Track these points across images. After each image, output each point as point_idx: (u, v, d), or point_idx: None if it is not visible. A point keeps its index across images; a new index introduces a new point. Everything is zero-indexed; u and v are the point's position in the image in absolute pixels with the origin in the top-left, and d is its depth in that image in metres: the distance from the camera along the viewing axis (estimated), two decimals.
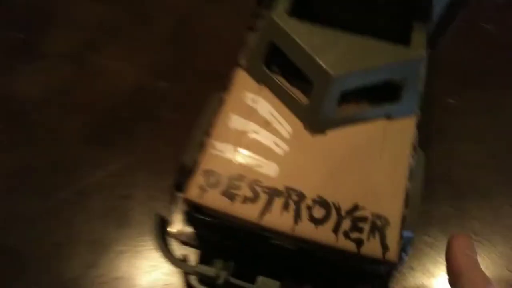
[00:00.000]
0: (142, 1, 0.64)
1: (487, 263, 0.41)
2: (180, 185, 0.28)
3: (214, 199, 0.25)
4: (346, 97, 0.27)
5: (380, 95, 0.28)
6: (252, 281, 0.27)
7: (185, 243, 0.30)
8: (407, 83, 0.27)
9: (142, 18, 0.62)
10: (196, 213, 0.26)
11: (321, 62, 0.26)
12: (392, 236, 0.25)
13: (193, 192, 0.26)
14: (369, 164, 0.27)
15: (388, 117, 0.28)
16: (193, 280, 0.28)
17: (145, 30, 0.61)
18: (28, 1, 0.63)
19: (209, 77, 0.50)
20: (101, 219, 0.43)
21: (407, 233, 0.26)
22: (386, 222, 0.25)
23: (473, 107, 0.52)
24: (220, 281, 0.26)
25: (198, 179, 0.26)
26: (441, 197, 0.44)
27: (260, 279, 0.27)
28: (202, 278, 0.27)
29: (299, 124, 0.28)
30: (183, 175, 0.28)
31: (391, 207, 0.26)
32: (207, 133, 0.28)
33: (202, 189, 0.26)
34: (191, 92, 0.55)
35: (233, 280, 0.27)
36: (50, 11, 0.62)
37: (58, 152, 0.52)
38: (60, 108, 0.55)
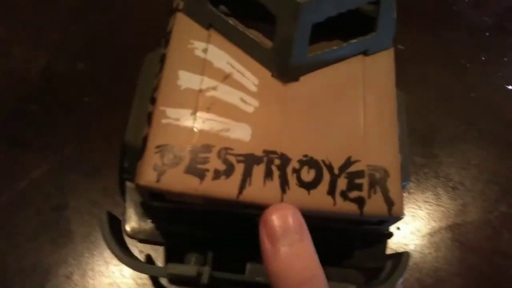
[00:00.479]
0: None
1: (467, 207, 0.40)
2: (128, 172, 0.22)
3: (176, 181, 0.20)
4: (316, 37, 0.23)
5: (352, 31, 0.24)
6: (239, 270, 0.22)
7: (146, 241, 0.24)
8: (383, 7, 0.23)
9: None
10: (155, 202, 0.20)
11: None
12: (395, 188, 0.21)
13: (147, 176, 0.20)
14: (354, 109, 0.23)
15: (365, 53, 0.24)
16: (163, 280, 0.23)
17: (47, 9, 0.51)
18: None
19: (135, 51, 0.43)
20: (33, 240, 0.35)
21: (403, 184, 0.23)
22: (385, 173, 0.21)
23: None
24: (205, 280, 0.21)
25: (151, 159, 0.20)
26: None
27: (249, 266, 0.22)
28: (174, 278, 0.22)
29: (265, 72, 0.23)
30: (130, 158, 0.22)
31: (387, 156, 0.22)
32: (153, 100, 0.22)
33: (159, 170, 0.20)
34: (115, 72, 0.47)
35: (217, 274, 0.22)
36: None
37: None
38: None
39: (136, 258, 0.23)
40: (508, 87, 0.49)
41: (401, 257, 0.25)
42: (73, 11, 0.51)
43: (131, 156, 0.23)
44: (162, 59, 0.23)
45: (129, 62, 0.39)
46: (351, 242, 0.25)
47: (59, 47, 0.49)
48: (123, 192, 0.25)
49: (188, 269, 0.20)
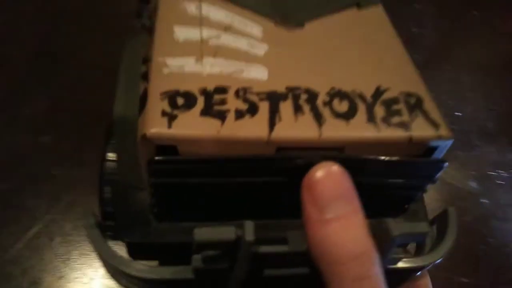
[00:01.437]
0: None
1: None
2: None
3: (192, 124, 0.16)
4: None
5: None
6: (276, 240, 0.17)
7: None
8: None
9: None
10: (167, 158, 0.16)
11: None
12: (434, 110, 0.19)
13: (156, 123, 0.16)
14: (365, 46, 0.21)
15: (358, 5, 0.24)
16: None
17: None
18: None
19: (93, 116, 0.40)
20: None
21: None
22: (419, 98, 0.19)
23: None
24: (248, 239, 0.15)
25: (157, 106, 0.16)
26: None
27: (289, 234, 0.18)
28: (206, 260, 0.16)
29: (268, 22, 0.21)
30: (121, 133, 0.18)
31: (415, 83, 0.20)
32: (146, 61, 0.19)
33: (170, 115, 0.16)
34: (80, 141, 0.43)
35: (258, 249, 0.17)
36: None
37: None
38: None
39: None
40: None
41: (446, 216, 0.21)
42: (28, 81, 0.48)
43: (123, 134, 0.19)
44: (150, 29, 0.21)
45: (95, 131, 0.37)
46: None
47: (21, 120, 0.44)
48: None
49: (224, 231, 0.15)
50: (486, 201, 0.35)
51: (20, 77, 0.47)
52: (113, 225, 0.19)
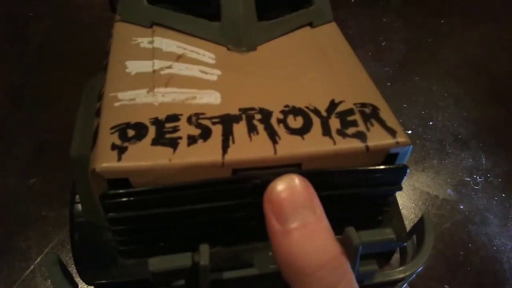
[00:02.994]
0: None
1: None
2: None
3: (143, 155, 0.16)
4: (264, 13, 0.22)
5: (296, 7, 0.24)
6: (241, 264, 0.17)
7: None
8: None
9: None
10: (118, 191, 0.16)
11: None
12: (390, 118, 0.19)
13: (106, 157, 0.16)
14: (318, 63, 0.22)
15: (311, 25, 0.24)
16: None
17: None
18: None
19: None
20: None
21: None
22: (374, 107, 0.19)
23: None
24: (205, 260, 0.15)
25: (107, 140, 0.16)
26: None
27: (255, 256, 0.17)
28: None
29: (220, 48, 0.21)
30: (80, 174, 0.18)
31: (370, 93, 0.20)
32: (98, 112, 0.19)
33: (120, 148, 0.16)
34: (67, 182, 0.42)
35: (217, 275, 0.16)
36: None
37: None
38: None
39: None
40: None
41: (422, 223, 0.21)
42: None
43: (80, 171, 0.18)
44: (106, 67, 0.21)
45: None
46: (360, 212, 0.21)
47: (8, 164, 0.44)
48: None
49: (179, 259, 0.15)
50: (463, 207, 0.35)
51: (4, 121, 0.47)
52: (81, 269, 0.18)
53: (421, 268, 0.21)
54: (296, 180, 0.16)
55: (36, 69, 0.53)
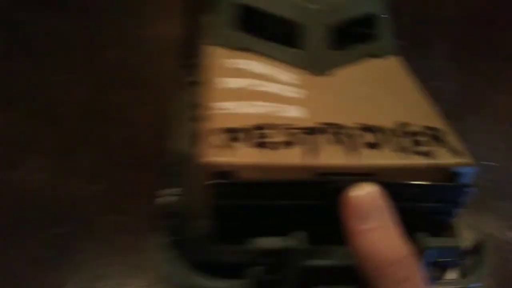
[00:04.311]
0: (46, 100, 0.56)
1: None
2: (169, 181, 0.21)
3: (244, 154, 0.19)
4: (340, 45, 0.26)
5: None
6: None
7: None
8: (379, 19, 0.27)
9: (50, 121, 0.54)
10: (224, 182, 0.18)
11: (308, 4, 0.24)
12: (455, 141, 0.21)
13: (213, 153, 0.19)
14: (387, 89, 0.24)
15: (376, 56, 0.27)
16: None
17: (57, 133, 0.52)
18: None
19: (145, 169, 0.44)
20: None
21: None
22: (441, 131, 0.22)
23: None
24: (293, 245, 0.17)
25: (213, 139, 0.19)
26: None
27: (334, 250, 0.19)
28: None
29: (301, 71, 0.24)
30: (178, 167, 0.21)
31: (435, 119, 0.23)
32: (194, 106, 0.22)
33: (226, 147, 0.19)
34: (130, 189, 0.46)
35: (303, 261, 0.18)
36: None
37: None
38: None
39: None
40: None
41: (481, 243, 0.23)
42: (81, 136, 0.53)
43: (180, 169, 0.22)
44: (194, 83, 0.25)
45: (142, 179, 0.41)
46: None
47: (75, 169, 0.48)
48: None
49: (276, 241, 0.17)
50: None
51: (77, 133, 0.52)
52: (178, 250, 0.21)
53: (478, 283, 0.22)
54: (375, 187, 0.18)
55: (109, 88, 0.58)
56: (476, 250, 0.24)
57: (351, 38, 0.27)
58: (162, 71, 0.58)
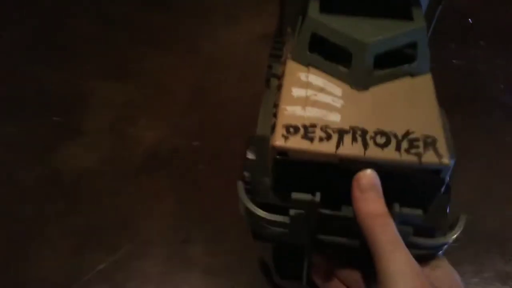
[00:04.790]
0: (157, 75, 0.75)
1: None
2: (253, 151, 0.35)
3: (296, 142, 0.32)
4: (377, 64, 0.36)
5: (402, 61, 0.37)
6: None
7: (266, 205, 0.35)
8: (419, 45, 0.36)
9: (161, 92, 0.73)
10: (283, 158, 0.32)
11: (356, 37, 0.35)
12: (442, 148, 0.31)
13: (279, 140, 0.32)
14: (408, 104, 0.34)
15: (411, 74, 0.37)
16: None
17: (166, 101, 0.71)
18: (59, 88, 0.73)
19: (234, 134, 0.60)
20: None
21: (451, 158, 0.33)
22: (434, 139, 0.32)
23: None
24: (316, 200, 0.31)
25: (280, 131, 0.32)
26: None
27: (343, 207, 0.32)
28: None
29: (346, 86, 0.36)
30: (258, 147, 0.35)
31: (435, 130, 0.32)
32: (275, 106, 0.36)
33: (285, 137, 0.32)
34: (221, 147, 0.63)
35: (323, 210, 0.32)
36: (81, 95, 0.72)
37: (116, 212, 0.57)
38: (113, 173, 0.61)
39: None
40: None
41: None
42: (187, 103, 0.71)
43: (260, 144, 0.35)
44: (279, 87, 0.37)
45: (230, 141, 0.56)
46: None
47: (180, 130, 0.66)
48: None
49: (304, 196, 0.31)
50: None
51: (181, 102, 0.70)
52: (251, 192, 0.35)
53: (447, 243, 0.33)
54: (373, 173, 0.30)
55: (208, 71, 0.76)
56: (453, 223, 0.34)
57: (393, 57, 0.37)
58: (251, 59, 0.73)
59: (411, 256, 0.28)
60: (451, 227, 0.34)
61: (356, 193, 0.30)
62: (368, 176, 0.30)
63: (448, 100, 0.73)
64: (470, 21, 0.87)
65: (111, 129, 0.67)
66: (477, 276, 0.51)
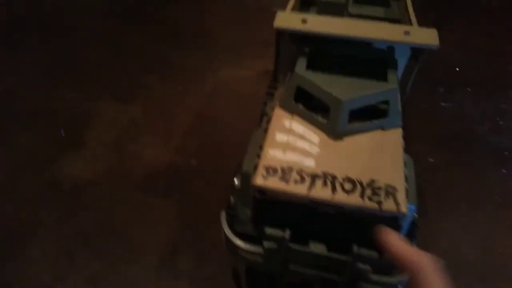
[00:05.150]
0: (163, 101, 0.80)
1: None
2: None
3: (274, 183, 0.36)
4: (353, 117, 0.41)
5: (374, 116, 0.42)
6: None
7: (245, 235, 0.40)
8: (391, 103, 0.41)
9: (165, 116, 0.78)
10: (261, 196, 0.36)
11: (333, 94, 0.40)
12: (401, 197, 0.36)
13: (260, 180, 0.37)
14: (376, 155, 0.39)
15: (382, 128, 0.42)
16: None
17: (169, 123, 0.76)
18: (70, 107, 0.78)
19: (230, 156, 0.65)
20: None
21: (410, 206, 0.37)
22: (395, 189, 0.36)
23: None
24: (286, 236, 0.35)
25: (261, 171, 0.37)
26: None
27: (311, 243, 0.37)
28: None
29: (324, 135, 0.41)
30: (245, 182, 0.40)
31: (397, 180, 0.37)
32: (260, 148, 0.40)
33: (265, 177, 0.37)
34: (218, 166, 0.68)
35: (292, 245, 0.36)
36: (88, 113, 0.77)
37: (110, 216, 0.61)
38: (111, 186, 0.66)
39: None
40: None
41: None
42: (188, 127, 0.76)
43: (244, 179, 0.40)
44: (265, 130, 0.42)
45: (226, 163, 0.61)
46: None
47: (180, 149, 0.71)
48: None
49: (276, 232, 0.35)
50: None
51: (183, 127, 0.75)
52: (232, 220, 0.40)
53: None
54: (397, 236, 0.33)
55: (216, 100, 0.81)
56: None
57: (369, 111, 0.42)
58: (252, 91, 0.79)
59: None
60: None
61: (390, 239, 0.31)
62: (396, 237, 0.31)
63: (435, 138, 0.78)
64: (457, 69, 0.93)
65: (114, 145, 0.72)
66: None
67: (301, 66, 0.43)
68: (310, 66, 0.43)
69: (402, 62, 0.46)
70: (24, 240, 0.56)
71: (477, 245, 0.60)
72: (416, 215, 0.42)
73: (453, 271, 0.57)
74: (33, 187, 0.64)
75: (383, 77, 0.43)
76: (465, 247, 0.59)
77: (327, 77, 0.42)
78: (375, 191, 0.36)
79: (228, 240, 0.39)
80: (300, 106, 0.42)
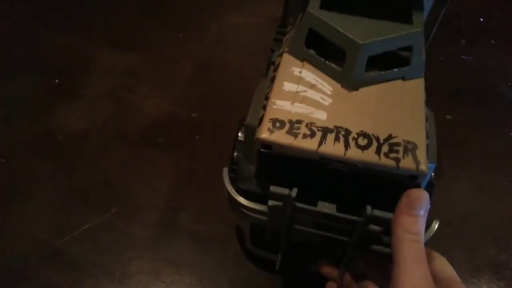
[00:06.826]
0: (162, 48, 0.75)
1: None
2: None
3: (280, 137, 0.33)
4: (371, 65, 0.36)
5: (395, 64, 0.37)
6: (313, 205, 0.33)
7: (249, 192, 0.37)
8: (414, 49, 0.36)
9: (165, 64, 0.73)
10: (267, 151, 0.33)
11: (351, 36, 0.35)
12: (421, 155, 0.32)
13: (264, 133, 0.33)
14: (395, 108, 0.35)
15: (403, 78, 0.37)
16: None
17: (169, 73, 0.72)
18: (65, 53, 0.73)
19: (235, 108, 0.61)
20: None
21: (430, 165, 0.33)
22: (415, 145, 0.33)
23: None
24: (292, 195, 0.32)
25: (266, 125, 0.33)
26: None
27: (319, 203, 0.33)
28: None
29: (337, 85, 0.36)
30: (247, 135, 0.36)
31: (417, 136, 0.33)
32: (266, 98, 0.36)
33: (271, 131, 0.33)
34: (219, 119, 0.64)
35: (298, 204, 0.33)
36: (84, 60, 0.72)
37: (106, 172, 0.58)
38: (108, 138, 0.62)
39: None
40: None
41: None
42: (190, 76, 0.72)
43: (248, 133, 0.36)
44: (272, 79, 0.38)
45: (231, 115, 0.57)
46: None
47: (181, 101, 0.67)
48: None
49: (282, 190, 0.32)
50: None
51: (183, 73, 0.70)
52: (235, 176, 0.37)
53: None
54: (427, 197, 0.31)
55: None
56: None
57: (388, 59, 0.37)
58: (259, 39, 0.73)
59: (429, 276, 0.29)
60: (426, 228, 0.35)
61: (402, 207, 0.31)
62: (423, 198, 0.31)
63: (453, 94, 0.73)
64: (481, 20, 0.86)
65: (110, 95, 0.68)
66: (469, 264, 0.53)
67: (314, 4, 0.37)
68: (325, 6, 0.37)
69: (427, 2, 0.41)
70: (18, 194, 0.54)
71: (494, 207, 0.57)
72: (433, 175, 0.38)
73: (469, 232, 0.55)
74: (27, 138, 0.61)
75: (407, 20, 0.37)
76: (481, 208, 0.56)
77: (343, 18, 0.37)
78: (392, 148, 0.32)
79: (231, 198, 0.36)
80: (312, 52, 0.37)
